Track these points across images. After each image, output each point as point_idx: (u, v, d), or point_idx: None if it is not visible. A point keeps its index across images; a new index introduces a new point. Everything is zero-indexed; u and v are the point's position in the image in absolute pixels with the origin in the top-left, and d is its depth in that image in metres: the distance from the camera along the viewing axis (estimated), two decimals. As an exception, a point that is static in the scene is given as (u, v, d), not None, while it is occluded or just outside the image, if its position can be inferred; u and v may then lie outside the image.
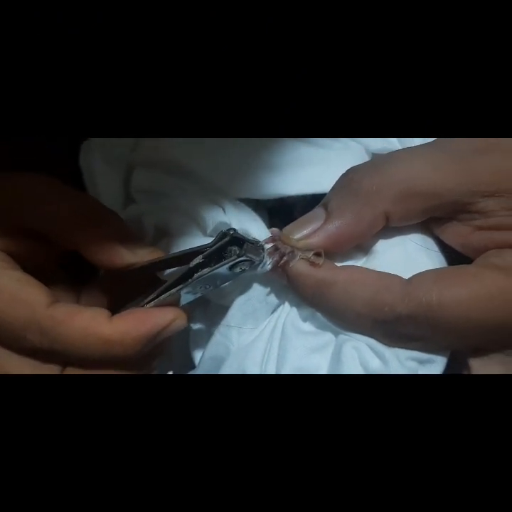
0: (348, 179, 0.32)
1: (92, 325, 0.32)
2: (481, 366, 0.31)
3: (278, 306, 0.35)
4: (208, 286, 0.34)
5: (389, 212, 0.31)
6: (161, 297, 0.33)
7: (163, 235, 0.37)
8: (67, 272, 0.38)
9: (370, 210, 0.31)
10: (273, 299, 0.35)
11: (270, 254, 0.33)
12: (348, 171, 0.33)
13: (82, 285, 0.38)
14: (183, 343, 0.39)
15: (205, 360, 0.36)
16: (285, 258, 0.32)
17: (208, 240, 0.34)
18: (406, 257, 0.33)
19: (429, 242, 0.34)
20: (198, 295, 0.34)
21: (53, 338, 0.32)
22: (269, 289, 0.35)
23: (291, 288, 0.33)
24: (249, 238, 0.33)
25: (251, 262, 0.33)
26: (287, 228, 0.33)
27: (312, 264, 0.32)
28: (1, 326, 0.32)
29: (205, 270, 0.33)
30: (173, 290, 0.33)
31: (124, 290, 0.37)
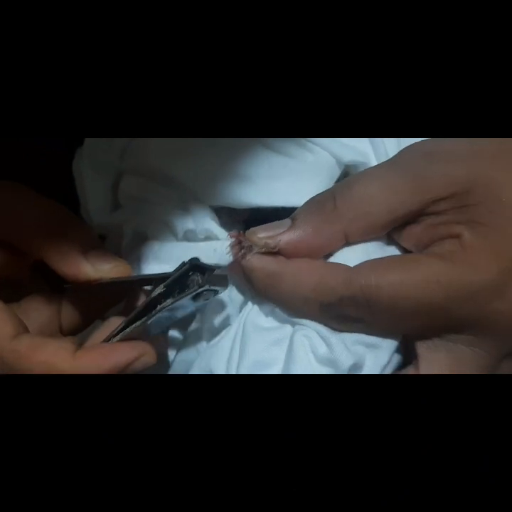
0: (316, 200, 0.35)
1: (53, 361, 0.32)
2: (427, 354, 0.33)
3: (243, 304, 0.37)
4: (173, 317, 0.35)
5: (347, 230, 0.34)
6: (126, 330, 0.33)
7: (142, 240, 0.39)
8: (48, 279, 0.38)
9: (328, 226, 0.34)
10: (239, 298, 0.37)
11: (232, 247, 0.35)
12: (316, 194, 0.36)
13: (63, 292, 0.37)
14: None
15: (177, 362, 0.38)
16: (243, 251, 0.34)
17: (178, 246, 0.36)
18: (366, 258, 0.35)
19: (392, 247, 0.36)
20: (165, 326, 0.35)
21: (15, 370, 0.32)
22: (234, 291, 0.37)
23: (247, 284, 0.35)
24: (212, 265, 0.34)
25: (214, 291, 0.34)
26: (253, 228, 0.35)
27: (266, 254, 0.34)
28: None
29: (168, 301, 0.33)
30: (138, 322, 0.33)
31: (97, 300, 0.37)
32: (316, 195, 0.36)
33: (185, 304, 0.34)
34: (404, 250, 0.35)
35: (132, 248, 0.39)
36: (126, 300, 0.37)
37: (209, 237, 0.38)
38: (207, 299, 0.34)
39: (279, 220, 0.36)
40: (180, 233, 0.38)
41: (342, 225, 0.34)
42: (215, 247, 0.37)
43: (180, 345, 0.39)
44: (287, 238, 0.34)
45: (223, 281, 0.34)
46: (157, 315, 0.33)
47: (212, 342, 0.36)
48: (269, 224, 0.35)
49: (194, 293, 0.33)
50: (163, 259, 0.37)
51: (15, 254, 0.35)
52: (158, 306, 0.33)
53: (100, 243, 0.37)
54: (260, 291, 0.35)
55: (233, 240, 0.35)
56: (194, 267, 0.34)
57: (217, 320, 0.38)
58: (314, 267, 0.33)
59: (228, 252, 0.35)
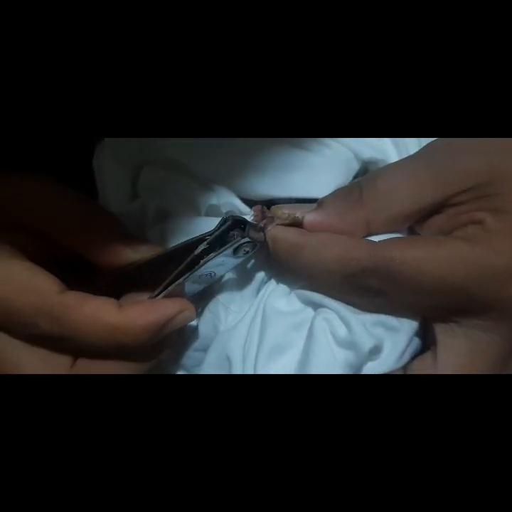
0: (343, 189, 0.36)
1: (100, 312, 0.33)
2: (446, 338, 0.33)
3: (263, 284, 0.38)
4: (213, 274, 0.35)
5: (370, 219, 0.35)
6: (169, 288, 0.35)
7: (165, 218, 0.40)
8: (72, 275, 0.38)
9: (352, 213, 0.35)
10: (258, 278, 0.38)
11: (255, 217, 0.36)
12: (345, 185, 0.37)
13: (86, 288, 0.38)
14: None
15: (195, 338, 0.38)
16: (265, 221, 0.35)
17: (203, 220, 0.37)
18: None
19: None
20: (203, 286, 0.36)
21: (63, 324, 0.33)
22: (254, 268, 0.38)
23: (270, 253, 0.36)
24: (250, 221, 0.36)
25: (253, 244, 0.35)
26: (278, 205, 0.36)
27: (290, 225, 0.35)
28: (12, 314, 0.33)
29: (211, 255, 0.34)
30: (181, 279, 0.35)
31: (128, 287, 0.38)
32: (344, 186, 0.37)
33: (225, 259, 0.35)
34: None
35: (155, 226, 0.40)
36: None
37: (232, 212, 0.38)
38: (246, 253, 0.35)
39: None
40: (203, 209, 0.38)
41: (365, 213, 0.34)
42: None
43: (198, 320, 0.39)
44: (311, 217, 0.35)
45: (261, 235, 0.35)
46: (199, 271, 0.34)
47: (229, 325, 0.37)
48: (294, 204, 0.36)
49: (236, 245, 0.34)
50: (189, 234, 0.38)
51: (45, 243, 0.36)
52: (201, 261, 0.34)
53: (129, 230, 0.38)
54: (282, 261, 0.35)
55: (256, 212, 0.36)
56: (235, 222, 0.35)
57: (234, 300, 0.38)
58: (338, 239, 0.34)
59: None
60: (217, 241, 0.35)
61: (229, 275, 0.37)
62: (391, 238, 0.34)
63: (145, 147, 0.42)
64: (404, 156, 0.39)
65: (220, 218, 0.36)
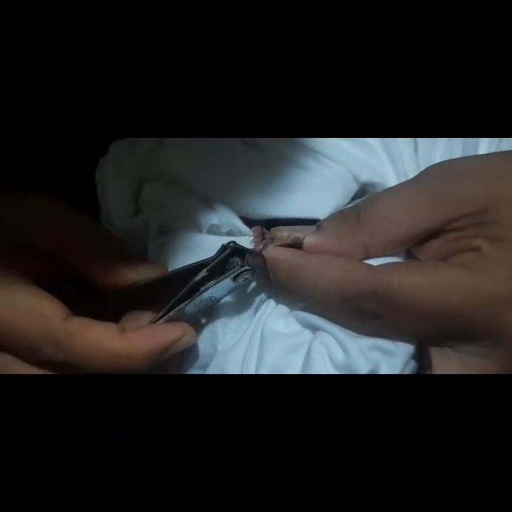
0: (342, 212, 0.37)
1: (102, 339, 0.33)
2: (441, 362, 0.34)
3: (261, 303, 0.38)
4: (213, 299, 0.36)
5: (367, 243, 0.35)
6: (170, 313, 0.35)
7: (165, 234, 0.40)
8: (79, 293, 0.39)
9: (350, 236, 0.35)
10: (257, 297, 0.38)
11: (255, 238, 0.37)
12: (343, 208, 0.38)
13: (95, 305, 0.39)
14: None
15: (194, 356, 0.38)
16: (264, 242, 0.36)
17: (204, 238, 0.38)
18: None
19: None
20: (201, 309, 0.36)
21: (67, 351, 0.33)
22: (253, 288, 0.38)
23: (267, 275, 0.36)
24: (250, 248, 0.36)
25: (253, 271, 0.36)
26: (278, 227, 0.37)
27: (290, 246, 0.36)
28: (19, 339, 0.34)
29: (211, 283, 0.35)
30: (182, 305, 0.35)
31: (130, 308, 0.38)
32: (342, 209, 0.38)
33: (225, 285, 0.36)
34: None
35: (158, 243, 0.40)
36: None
37: (232, 233, 0.39)
38: (246, 279, 0.36)
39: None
40: (205, 228, 0.39)
41: (363, 237, 0.35)
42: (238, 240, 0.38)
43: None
44: (311, 240, 0.36)
45: (260, 261, 0.36)
46: (200, 297, 0.35)
47: (227, 344, 0.37)
48: (293, 226, 0.37)
49: (236, 273, 0.35)
50: (191, 249, 0.38)
51: (53, 266, 0.37)
52: (201, 288, 0.35)
53: (131, 249, 0.39)
54: (282, 282, 0.36)
55: (256, 232, 0.37)
56: (234, 250, 0.36)
57: (232, 319, 0.39)
58: (337, 261, 0.34)
59: (251, 243, 0.37)
60: (217, 268, 0.36)
61: (227, 296, 0.38)
62: (389, 263, 0.35)
63: (147, 163, 0.42)
64: (403, 179, 0.40)
65: (221, 236, 0.37)
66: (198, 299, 0.35)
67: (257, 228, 0.37)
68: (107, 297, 0.38)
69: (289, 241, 0.36)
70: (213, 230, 0.39)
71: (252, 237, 0.37)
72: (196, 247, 0.39)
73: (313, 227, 0.36)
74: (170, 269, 0.38)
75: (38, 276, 0.36)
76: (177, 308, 0.35)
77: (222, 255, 0.36)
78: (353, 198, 0.40)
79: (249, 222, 0.40)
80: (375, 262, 0.35)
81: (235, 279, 0.35)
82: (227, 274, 0.35)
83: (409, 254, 0.37)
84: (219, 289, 0.36)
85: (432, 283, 0.33)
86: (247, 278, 0.36)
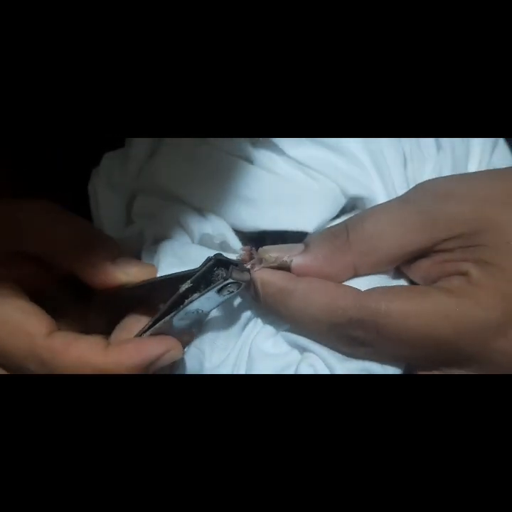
0: (330, 230, 0.37)
1: (86, 355, 0.34)
2: None
3: (249, 321, 0.38)
4: (200, 311, 0.36)
5: (356, 263, 0.35)
6: (156, 326, 0.35)
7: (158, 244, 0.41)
8: (74, 294, 0.39)
9: (339, 256, 0.35)
10: (244, 315, 0.38)
11: (243, 258, 0.37)
12: (331, 226, 0.38)
13: (90, 306, 0.39)
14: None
15: (181, 372, 0.38)
16: (252, 261, 0.36)
17: (199, 248, 0.38)
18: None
19: (399, 281, 0.37)
20: (191, 321, 0.36)
21: (52, 368, 0.34)
22: (241, 305, 0.38)
23: (255, 295, 0.36)
24: (234, 260, 0.36)
25: (238, 283, 0.35)
26: (266, 247, 0.37)
27: (278, 268, 0.35)
28: (6, 355, 0.34)
29: (195, 295, 0.35)
30: (167, 318, 0.35)
31: (123, 308, 0.39)
32: (331, 226, 0.37)
33: (210, 297, 0.35)
34: (412, 283, 0.36)
35: (151, 251, 0.41)
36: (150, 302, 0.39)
37: (224, 244, 0.39)
38: (231, 292, 0.35)
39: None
40: (197, 237, 0.39)
41: (352, 256, 0.35)
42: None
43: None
44: (299, 261, 0.35)
45: (246, 274, 0.36)
46: (185, 309, 0.35)
47: (214, 363, 0.37)
48: (282, 245, 0.37)
49: (220, 286, 0.35)
50: (181, 257, 0.39)
51: (45, 270, 0.37)
52: (186, 301, 0.35)
53: (124, 252, 0.38)
54: (269, 305, 0.36)
55: (244, 252, 0.36)
56: (219, 262, 0.35)
57: (219, 336, 0.39)
58: (326, 286, 0.34)
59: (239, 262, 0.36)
60: (202, 279, 0.35)
61: (215, 311, 0.38)
62: (377, 288, 0.34)
63: (139, 175, 0.43)
64: (392, 194, 0.40)
65: (213, 250, 0.37)
66: (182, 312, 0.35)
67: (247, 248, 0.37)
68: (100, 299, 0.38)
69: (276, 264, 0.36)
70: (206, 240, 0.40)
71: (240, 257, 0.37)
72: (187, 256, 0.39)
73: (301, 246, 0.36)
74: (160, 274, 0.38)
75: (30, 283, 0.36)
76: (162, 320, 0.35)
77: (206, 266, 0.35)
78: (342, 211, 0.40)
79: (239, 234, 0.40)
80: (362, 280, 0.35)
81: (219, 291, 0.35)
82: (211, 287, 0.35)
83: (398, 270, 0.37)
84: (205, 302, 0.36)
85: (420, 311, 0.32)
86: (233, 291, 0.36)
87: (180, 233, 0.41)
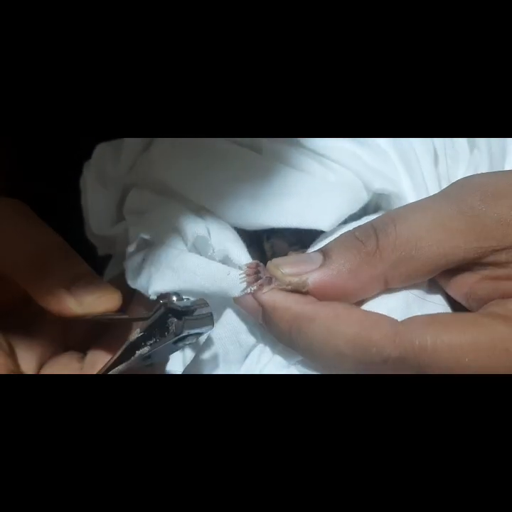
0: (354, 235, 0.30)
1: None
2: None
3: (252, 348, 0.33)
4: (160, 356, 0.33)
5: (388, 275, 0.29)
6: (113, 369, 0.32)
7: (148, 245, 0.36)
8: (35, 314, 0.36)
9: (368, 269, 0.29)
10: (247, 339, 0.33)
11: (247, 276, 0.30)
12: (354, 228, 0.31)
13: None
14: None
15: None
16: (260, 282, 0.30)
17: (197, 259, 0.33)
18: (406, 309, 0.30)
19: (435, 297, 0.31)
20: (152, 361, 0.33)
21: None
22: (243, 328, 0.33)
23: (265, 322, 0.30)
24: (190, 306, 0.31)
25: (196, 335, 0.31)
26: (276, 260, 0.30)
27: (293, 292, 0.29)
28: None
29: (145, 349, 0.31)
30: (120, 367, 0.32)
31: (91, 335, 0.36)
32: (353, 229, 0.31)
33: (167, 346, 0.31)
34: (449, 298, 0.31)
35: (138, 254, 0.36)
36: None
37: (225, 254, 0.33)
38: (192, 342, 0.32)
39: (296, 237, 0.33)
40: (191, 240, 0.34)
41: (383, 267, 0.29)
42: (229, 271, 0.32)
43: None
44: (318, 278, 0.29)
45: (207, 321, 0.31)
46: (139, 356, 0.31)
47: None
48: (295, 257, 0.31)
49: (172, 340, 0.31)
50: (176, 269, 0.33)
51: (3, 288, 0.33)
52: (137, 353, 0.31)
53: (90, 274, 0.33)
54: (283, 335, 0.30)
55: (250, 270, 0.30)
56: (169, 310, 0.31)
57: (218, 365, 0.33)
58: (353, 314, 0.28)
59: (242, 281, 0.31)
60: (155, 328, 0.31)
61: (213, 332, 0.33)
62: (416, 317, 0.28)
63: (133, 168, 0.39)
64: (423, 193, 0.34)
65: (211, 261, 0.32)
66: (138, 358, 0.31)
67: (251, 264, 0.31)
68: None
69: (291, 286, 0.29)
70: (200, 243, 0.34)
71: (243, 275, 0.31)
72: (180, 268, 0.33)
73: (319, 256, 0.30)
74: (122, 302, 0.33)
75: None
76: (115, 368, 0.32)
77: (154, 316, 0.31)
78: (364, 212, 0.35)
79: (242, 233, 0.35)
80: (394, 299, 0.30)
81: (176, 342, 0.31)
82: (163, 340, 0.31)
83: (431, 283, 0.31)
84: (162, 351, 0.31)
85: (474, 345, 0.27)
86: (192, 342, 0.31)
87: (172, 234, 0.35)
